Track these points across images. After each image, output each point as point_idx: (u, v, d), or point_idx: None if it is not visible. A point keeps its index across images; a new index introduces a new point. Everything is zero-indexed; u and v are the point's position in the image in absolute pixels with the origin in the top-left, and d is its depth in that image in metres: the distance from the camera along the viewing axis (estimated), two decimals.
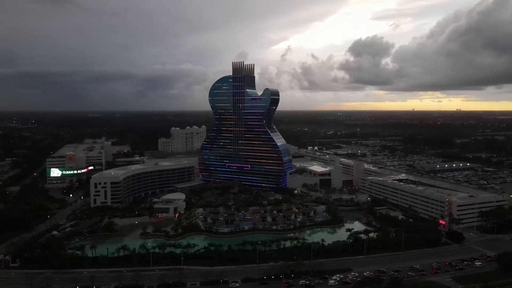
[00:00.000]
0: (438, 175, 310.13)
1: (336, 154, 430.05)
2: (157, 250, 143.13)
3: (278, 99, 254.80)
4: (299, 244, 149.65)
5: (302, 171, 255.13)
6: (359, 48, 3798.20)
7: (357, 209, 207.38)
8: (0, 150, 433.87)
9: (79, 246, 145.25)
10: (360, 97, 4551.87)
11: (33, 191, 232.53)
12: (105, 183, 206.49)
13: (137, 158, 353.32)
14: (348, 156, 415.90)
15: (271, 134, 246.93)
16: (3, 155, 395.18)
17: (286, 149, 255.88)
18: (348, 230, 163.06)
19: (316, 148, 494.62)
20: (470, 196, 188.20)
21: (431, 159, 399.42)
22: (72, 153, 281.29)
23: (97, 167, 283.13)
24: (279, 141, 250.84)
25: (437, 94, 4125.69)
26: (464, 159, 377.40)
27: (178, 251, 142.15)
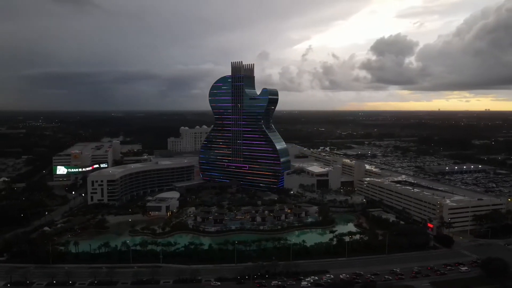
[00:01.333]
0: (446, 177, 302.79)
1: (345, 154, 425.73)
2: (138, 247, 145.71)
3: (277, 98, 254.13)
4: (279, 245, 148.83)
5: (301, 171, 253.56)
6: (381, 47, 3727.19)
7: (351, 210, 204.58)
8: (19, 148, 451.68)
9: (64, 242, 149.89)
10: (383, 96, 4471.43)
11: (36, 188, 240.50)
12: (101, 181, 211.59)
13: (145, 157, 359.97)
14: (357, 156, 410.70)
15: (269, 134, 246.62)
16: (21, 153, 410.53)
17: (284, 149, 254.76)
18: (332, 231, 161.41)
19: (327, 148, 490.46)
20: (478, 199, 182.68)
21: (443, 160, 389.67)
22: (77, 151, 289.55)
23: (102, 165, 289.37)
24: (277, 141, 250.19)
25: (465, 93, 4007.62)
26: (479, 161, 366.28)
27: (158, 249, 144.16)
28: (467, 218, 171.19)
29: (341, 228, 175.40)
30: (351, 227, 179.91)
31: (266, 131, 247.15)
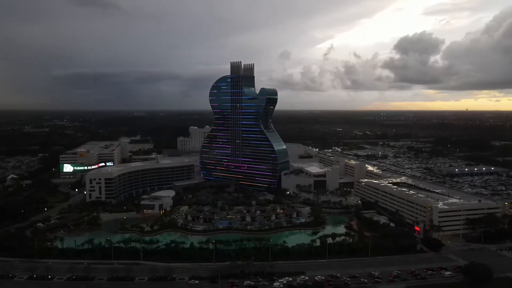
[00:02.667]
0: (455, 179, 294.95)
1: (355, 155, 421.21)
2: (122, 244, 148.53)
3: (276, 98, 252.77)
4: (259, 245, 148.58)
5: (299, 172, 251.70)
6: (405, 46, 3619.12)
7: (345, 212, 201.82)
8: (37, 146, 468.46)
9: (52, 238, 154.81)
10: (409, 96, 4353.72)
11: (41, 185, 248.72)
12: (99, 179, 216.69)
13: (153, 155, 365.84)
14: (367, 157, 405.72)
15: (266, 134, 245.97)
16: (38, 151, 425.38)
17: (282, 149, 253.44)
18: (315, 233, 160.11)
19: (339, 149, 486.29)
20: (480, 202, 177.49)
21: (457, 162, 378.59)
22: (83, 150, 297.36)
23: (108, 163, 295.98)
24: (276, 141, 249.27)
25: (494, 93, 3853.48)
26: (495, 163, 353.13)
27: (139, 246, 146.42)
28: (459, 222, 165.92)
29: (331, 230, 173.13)
30: (341, 228, 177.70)
31: (264, 131, 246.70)
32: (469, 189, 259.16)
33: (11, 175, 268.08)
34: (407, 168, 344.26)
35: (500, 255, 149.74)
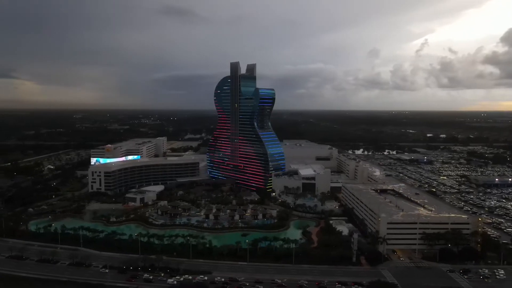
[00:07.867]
0: (488, 190, 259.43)
1: (398, 159, 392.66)
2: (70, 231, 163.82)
3: (273, 99, 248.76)
4: (185, 242, 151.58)
5: (293, 174, 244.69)
6: None
7: (318, 217, 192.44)
8: (104, 142, 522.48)
9: (23, 220, 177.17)
10: None
11: (65, 175, 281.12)
12: (100, 172, 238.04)
13: (186, 153, 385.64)
14: (409, 161, 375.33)
15: (260, 135, 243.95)
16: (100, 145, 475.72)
17: (277, 150, 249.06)
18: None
19: (387, 152, 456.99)
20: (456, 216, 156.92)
21: None
22: (109, 145, 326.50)
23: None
24: (270, 142, 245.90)
25: None
26: None
27: (81, 233, 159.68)
28: (414, 236, 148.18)
29: (288, 234, 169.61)
30: (298, 233, 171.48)
31: (259, 131, 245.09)
32: (493, 202, 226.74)
33: (48, 166, 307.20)
34: (445, 176, 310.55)
35: (445, 277, 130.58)
